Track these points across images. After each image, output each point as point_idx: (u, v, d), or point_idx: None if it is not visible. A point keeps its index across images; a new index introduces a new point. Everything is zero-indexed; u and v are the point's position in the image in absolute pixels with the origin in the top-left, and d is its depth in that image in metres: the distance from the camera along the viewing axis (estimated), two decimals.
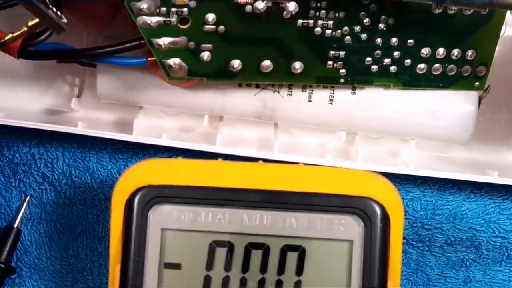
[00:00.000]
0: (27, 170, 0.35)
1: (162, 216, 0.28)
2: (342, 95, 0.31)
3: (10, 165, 0.35)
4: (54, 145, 0.35)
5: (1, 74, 0.34)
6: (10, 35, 0.27)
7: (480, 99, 0.31)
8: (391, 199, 0.28)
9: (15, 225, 0.35)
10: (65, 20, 0.26)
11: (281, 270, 0.28)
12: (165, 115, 0.34)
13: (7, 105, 0.34)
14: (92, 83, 0.34)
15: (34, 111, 0.34)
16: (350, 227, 0.28)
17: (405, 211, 0.35)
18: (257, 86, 0.31)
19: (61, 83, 0.35)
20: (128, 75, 0.31)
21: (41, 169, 0.35)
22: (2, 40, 0.27)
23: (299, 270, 0.28)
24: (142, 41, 0.27)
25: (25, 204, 0.35)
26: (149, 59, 0.28)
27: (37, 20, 0.26)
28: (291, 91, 0.31)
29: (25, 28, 0.26)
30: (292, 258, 0.28)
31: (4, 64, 0.32)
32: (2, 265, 0.34)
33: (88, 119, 0.34)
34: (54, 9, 0.25)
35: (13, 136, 0.35)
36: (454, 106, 0.31)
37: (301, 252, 0.28)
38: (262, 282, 0.28)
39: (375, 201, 0.27)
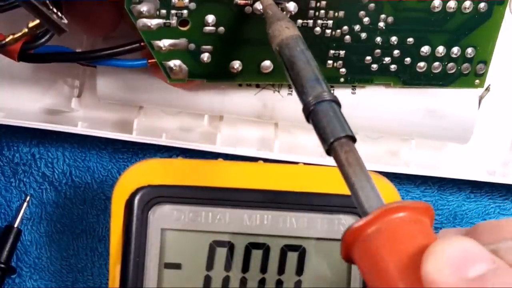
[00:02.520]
0: (27, 170, 0.35)
1: (162, 216, 0.28)
2: (342, 94, 0.31)
3: (10, 165, 0.35)
4: (54, 145, 0.35)
5: (1, 74, 0.34)
6: (11, 37, 0.27)
7: (480, 99, 0.31)
8: (391, 199, 0.28)
9: (15, 225, 0.35)
10: (65, 21, 0.25)
11: (281, 270, 0.28)
12: (165, 115, 0.34)
13: (7, 105, 0.34)
14: (92, 83, 0.34)
15: (34, 111, 0.34)
16: None
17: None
18: (257, 86, 0.31)
19: (61, 83, 0.35)
20: (128, 76, 0.31)
21: (41, 169, 0.35)
22: (3, 42, 0.27)
23: (299, 270, 0.28)
24: (142, 43, 0.27)
25: (25, 204, 0.35)
26: (149, 61, 0.28)
27: (37, 21, 0.26)
28: (291, 91, 0.31)
29: (26, 30, 0.26)
30: (292, 258, 0.28)
31: (4, 64, 0.32)
32: (2, 265, 0.34)
33: (88, 119, 0.34)
34: (55, 10, 0.25)
35: (13, 136, 0.35)
36: (455, 106, 0.31)
37: (301, 252, 0.28)
38: (262, 282, 0.28)
39: None
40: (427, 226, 0.20)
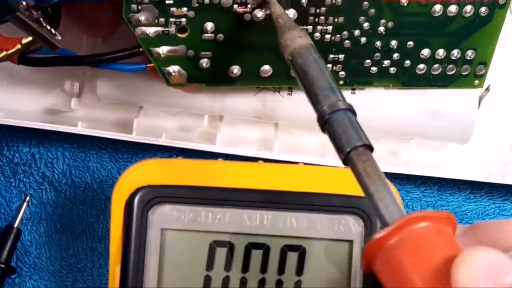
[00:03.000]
0: (27, 170, 0.35)
1: (162, 216, 0.28)
2: None
3: (10, 165, 0.35)
4: (54, 145, 0.35)
5: (1, 73, 0.34)
6: (4, 53, 0.26)
7: (480, 99, 0.31)
8: None
9: (15, 225, 0.35)
10: (59, 37, 0.25)
11: (281, 270, 0.28)
12: (165, 115, 0.34)
13: (7, 105, 0.34)
14: (92, 83, 0.34)
15: (34, 111, 0.34)
16: (350, 227, 0.28)
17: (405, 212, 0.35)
18: (257, 86, 0.31)
19: (61, 83, 0.35)
20: (128, 77, 0.31)
21: (41, 169, 0.35)
22: None
23: (299, 270, 0.28)
24: (141, 49, 0.27)
25: (25, 204, 0.35)
26: (148, 65, 0.28)
27: (31, 38, 0.26)
28: (291, 91, 0.31)
29: (19, 46, 0.26)
30: (292, 258, 0.28)
31: (4, 64, 0.32)
32: (2, 265, 0.34)
33: (88, 119, 0.34)
34: (48, 27, 0.24)
35: (13, 136, 0.35)
36: (455, 106, 0.31)
37: (301, 252, 0.28)
38: (262, 282, 0.28)
39: None
40: (450, 236, 0.19)
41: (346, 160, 0.20)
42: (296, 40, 0.23)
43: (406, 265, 0.19)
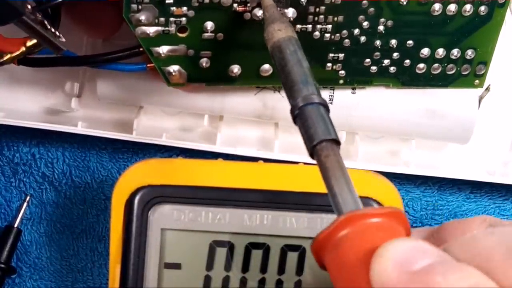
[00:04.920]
0: (27, 170, 0.35)
1: (162, 216, 0.28)
2: (342, 94, 0.31)
3: (10, 165, 0.35)
4: (54, 145, 0.35)
5: (2, 74, 0.34)
6: (8, 55, 0.27)
7: (480, 99, 0.31)
8: (391, 199, 0.28)
9: (15, 225, 0.35)
10: (63, 39, 0.25)
11: (281, 270, 0.28)
12: (165, 115, 0.34)
13: (7, 105, 0.34)
14: (92, 83, 0.34)
15: (34, 111, 0.34)
16: None
17: (405, 211, 0.35)
18: (258, 86, 0.31)
19: (61, 83, 0.35)
20: (128, 77, 0.31)
21: (41, 169, 0.35)
22: (1, 61, 0.27)
23: (299, 270, 0.28)
24: (141, 48, 0.27)
25: (25, 204, 0.35)
26: (148, 65, 0.28)
27: (35, 40, 0.26)
28: None
29: (24, 49, 0.26)
30: (292, 258, 0.28)
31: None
32: (2, 265, 0.34)
33: (88, 119, 0.34)
34: (52, 30, 0.25)
35: (13, 136, 0.35)
36: (455, 106, 0.31)
37: (301, 252, 0.28)
38: (262, 282, 0.28)
39: (375, 201, 0.28)
40: (396, 232, 0.19)
41: (312, 153, 0.20)
42: (277, 33, 0.23)
43: (347, 259, 0.19)
